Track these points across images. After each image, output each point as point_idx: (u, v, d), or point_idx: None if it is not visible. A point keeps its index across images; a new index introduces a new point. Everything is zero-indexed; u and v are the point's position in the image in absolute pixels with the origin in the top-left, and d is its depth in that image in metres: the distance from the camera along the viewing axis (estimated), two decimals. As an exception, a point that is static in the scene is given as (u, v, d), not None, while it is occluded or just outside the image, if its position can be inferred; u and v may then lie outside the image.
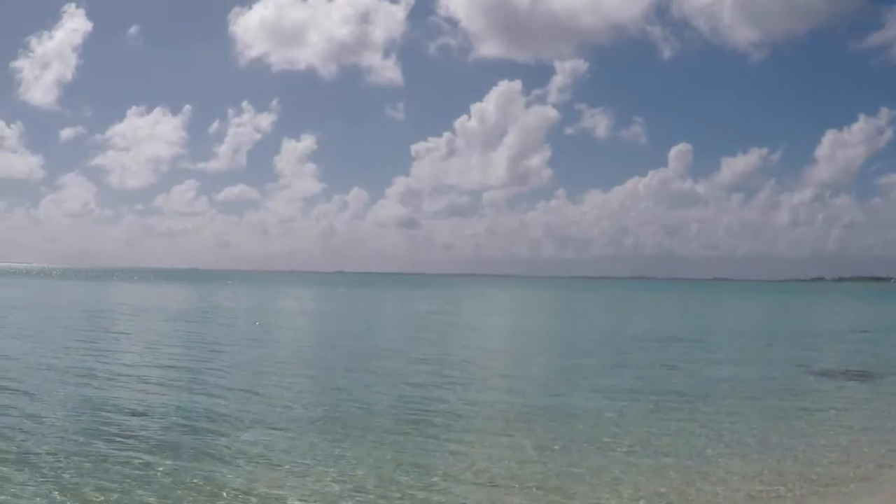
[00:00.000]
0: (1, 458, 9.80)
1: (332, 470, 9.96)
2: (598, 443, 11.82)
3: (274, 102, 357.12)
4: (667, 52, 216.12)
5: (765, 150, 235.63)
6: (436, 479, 9.69)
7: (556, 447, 11.46)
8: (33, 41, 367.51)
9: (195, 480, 9.28)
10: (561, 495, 9.19)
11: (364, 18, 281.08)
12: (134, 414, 13.00)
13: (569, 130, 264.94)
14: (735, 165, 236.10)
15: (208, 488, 9.04)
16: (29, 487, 8.80)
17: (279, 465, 10.12)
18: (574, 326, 42.57)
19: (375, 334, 33.18)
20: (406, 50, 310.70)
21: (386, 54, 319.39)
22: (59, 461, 9.85)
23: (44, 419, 12.31)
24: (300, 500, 8.75)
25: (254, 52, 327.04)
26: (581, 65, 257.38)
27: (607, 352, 26.06)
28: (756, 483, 9.79)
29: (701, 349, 27.66)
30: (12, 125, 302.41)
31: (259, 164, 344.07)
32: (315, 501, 8.77)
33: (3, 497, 8.37)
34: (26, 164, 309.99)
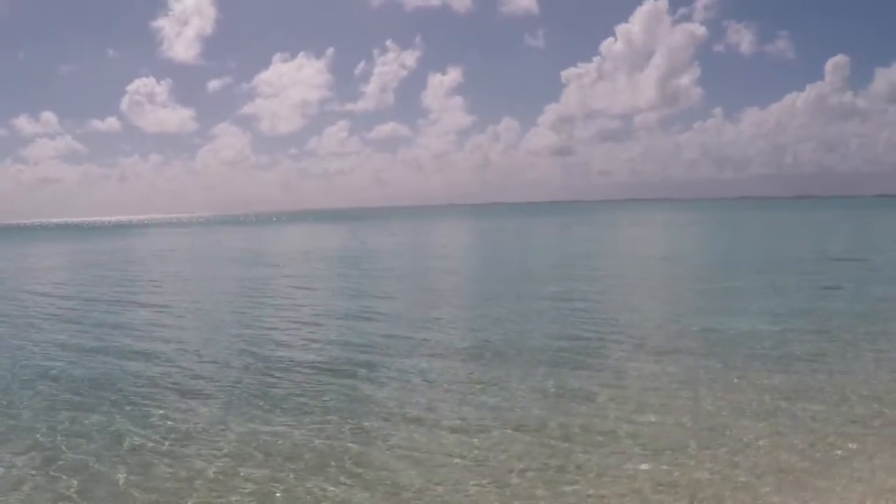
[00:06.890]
0: (182, 392, 11.00)
1: (488, 393, 10.38)
2: (755, 366, 11.55)
3: (417, 39, 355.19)
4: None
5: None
6: (589, 403, 9.92)
7: (714, 372, 11.34)
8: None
9: (351, 403, 10.05)
10: (715, 419, 9.18)
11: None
12: (296, 347, 14.16)
13: (718, 47, 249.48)
14: (892, 76, 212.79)
15: (365, 409, 9.74)
16: (208, 412, 9.96)
17: (436, 389, 10.67)
18: (731, 248, 41.43)
19: (527, 264, 33.36)
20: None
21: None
22: (230, 391, 11.02)
23: (216, 357, 13.67)
24: (457, 420, 9.15)
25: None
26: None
27: (766, 274, 24.85)
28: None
29: (864, 269, 26.07)
30: (162, 82, 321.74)
31: (407, 100, 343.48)
32: (468, 420, 9.10)
33: (187, 425, 9.39)
34: (178, 117, 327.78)
